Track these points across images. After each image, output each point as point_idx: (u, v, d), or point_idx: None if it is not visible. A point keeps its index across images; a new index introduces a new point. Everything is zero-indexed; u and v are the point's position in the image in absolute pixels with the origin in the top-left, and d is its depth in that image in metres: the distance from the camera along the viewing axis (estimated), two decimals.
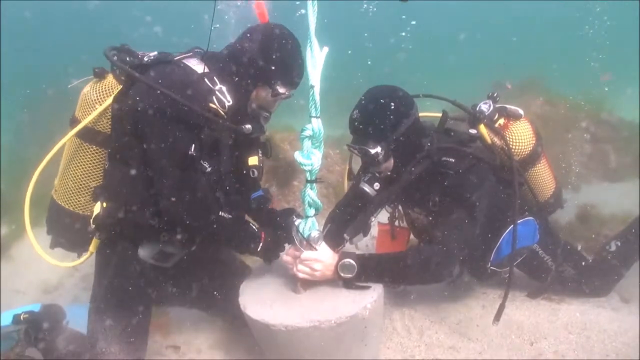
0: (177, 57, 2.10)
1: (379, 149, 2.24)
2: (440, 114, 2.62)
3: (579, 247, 3.05)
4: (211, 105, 2.01)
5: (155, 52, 2.25)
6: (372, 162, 2.35)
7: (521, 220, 2.52)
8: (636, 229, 3.02)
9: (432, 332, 2.67)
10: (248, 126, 2.14)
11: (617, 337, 2.49)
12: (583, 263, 2.92)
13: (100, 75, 2.21)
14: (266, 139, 2.44)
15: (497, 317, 2.32)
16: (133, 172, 2.03)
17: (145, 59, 2.18)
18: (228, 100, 2.06)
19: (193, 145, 1.97)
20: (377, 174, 2.45)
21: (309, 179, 2.07)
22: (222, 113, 2.07)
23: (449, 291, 2.99)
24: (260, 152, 2.39)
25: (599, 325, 2.58)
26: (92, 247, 2.21)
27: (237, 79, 2.12)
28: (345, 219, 2.73)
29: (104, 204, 2.10)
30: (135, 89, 1.99)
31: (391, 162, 2.36)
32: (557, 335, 2.54)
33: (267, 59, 2.08)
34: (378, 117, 2.24)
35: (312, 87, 1.91)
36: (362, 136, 2.29)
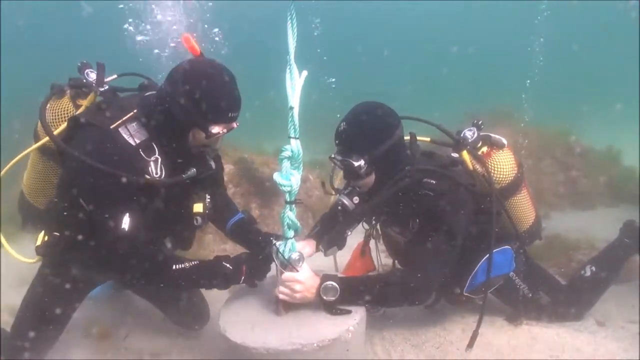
0: (115, 125, 1.99)
1: (361, 162, 2.24)
2: (423, 138, 2.66)
3: (553, 273, 3.10)
4: (146, 176, 1.99)
5: (115, 76, 2.28)
6: (353, 175, 2.35)
7: (498, 249, 2.53)
8: (611, 254, 3.10)
9: (412, 356, 2.64)
10: (192, 170, 2.11)
11: (595, 358, 2.52)
12: (557, 288, 2.97)
13: (58, 93, 2.20)
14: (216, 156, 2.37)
15: (471, 343, 2.35)
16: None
17: (100, 89, 2.17)
18: (157, 173, 2.03)
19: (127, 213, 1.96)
20: (357, 188, 2.46)
21: (288, 200, 2.05)
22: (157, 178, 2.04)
23: (428, 315, 2.98)
24: (207, 196, 2.35)
25: (576, 347, 2.61)
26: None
27: (170, 129, 2.02)
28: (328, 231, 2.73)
29: (46, 237, 2.16)
30: (70, 157, 1.97)
31: (372, 178, 2.35)
32: (536, 358, 2.55)
33: (190, 102, 1.90)
34: (364, 130, 2.24)
35: (292, 108, 1.94)
36: (346, 148, 2.29)
